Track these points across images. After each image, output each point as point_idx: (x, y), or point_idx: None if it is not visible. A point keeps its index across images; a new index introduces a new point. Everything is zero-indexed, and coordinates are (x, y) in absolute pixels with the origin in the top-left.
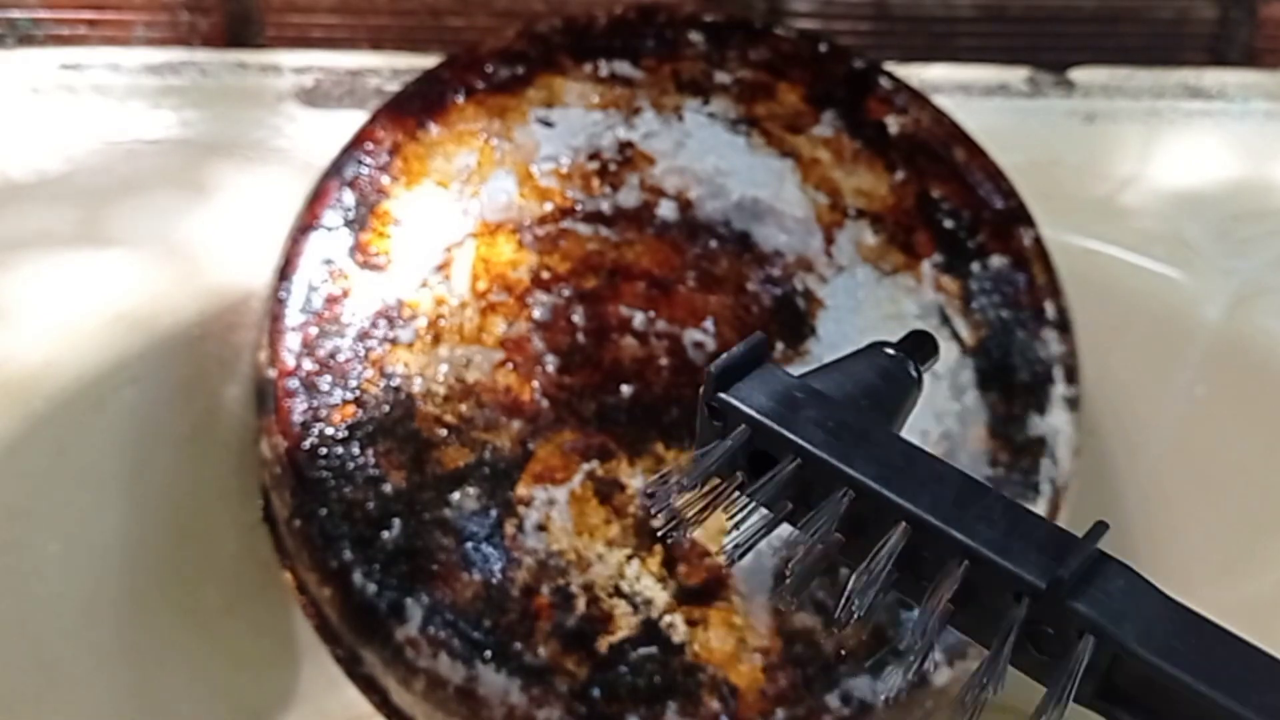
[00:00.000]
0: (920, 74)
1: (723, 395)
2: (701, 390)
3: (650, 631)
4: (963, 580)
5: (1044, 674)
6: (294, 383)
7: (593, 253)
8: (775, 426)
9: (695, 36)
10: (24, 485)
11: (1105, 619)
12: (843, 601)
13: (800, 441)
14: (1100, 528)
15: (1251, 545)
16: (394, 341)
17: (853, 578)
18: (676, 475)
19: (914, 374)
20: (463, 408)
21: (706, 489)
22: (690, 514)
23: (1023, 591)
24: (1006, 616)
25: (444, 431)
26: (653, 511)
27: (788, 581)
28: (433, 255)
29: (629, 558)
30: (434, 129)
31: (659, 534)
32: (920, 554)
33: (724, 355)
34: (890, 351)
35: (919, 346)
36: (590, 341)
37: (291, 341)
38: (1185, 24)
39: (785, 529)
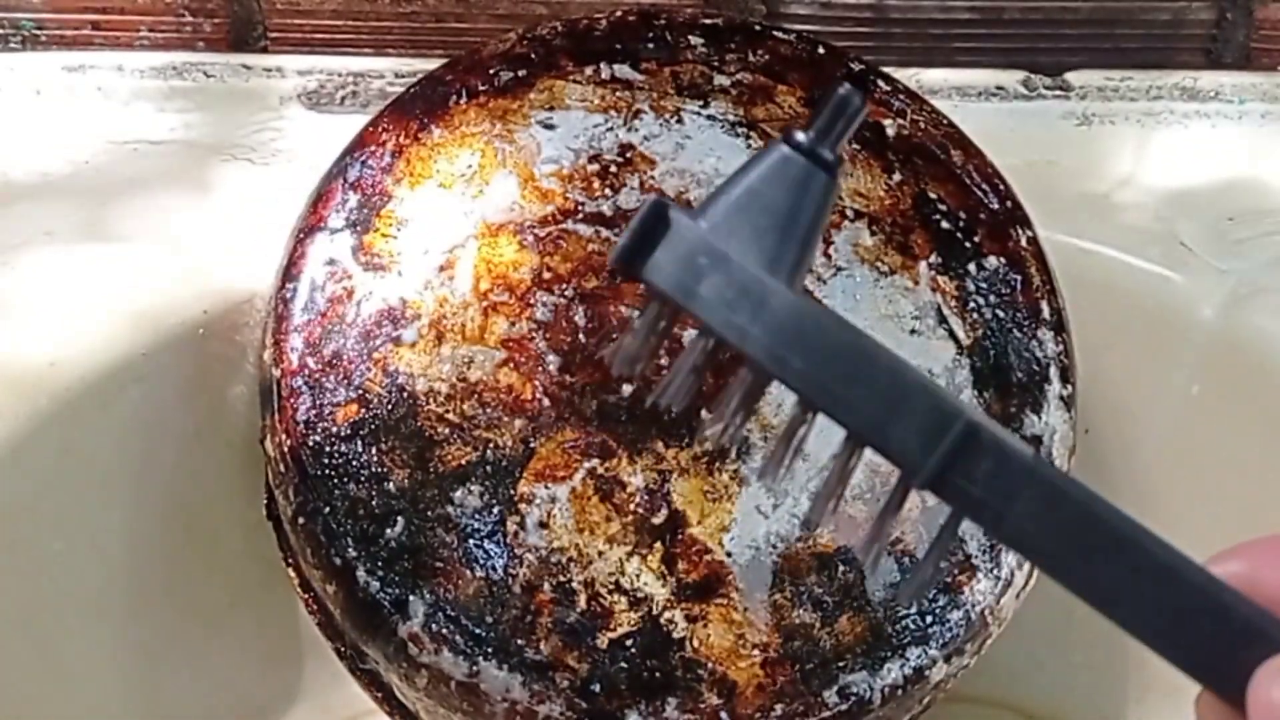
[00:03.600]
0: (918, 77)
1: (634, 271)
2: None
3: (650, 627)
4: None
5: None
6: (298, 382)
7: (594, 253)
8: (680, 302)
9: (695, 39)
10: (29, 483)
11: (970, 510)
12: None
13: (703, 317)
14: (972, 407)
15: None
16: (397, 341)
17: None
18: (625, 344)
19: (830, 159)
20: (465, 407)
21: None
22: (640, 356)
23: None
24: (895, 485)
25: (446, 430)
26: (611, 367)
27: (714, 425)
28: (435, 256)
29: (629, 554)
30: (436, 131)
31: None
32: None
33: (627, 228)
34: (789, 153)
35: (832, 121)
36: (591, 341)
37: (295, 341)
38: (1181, 26)
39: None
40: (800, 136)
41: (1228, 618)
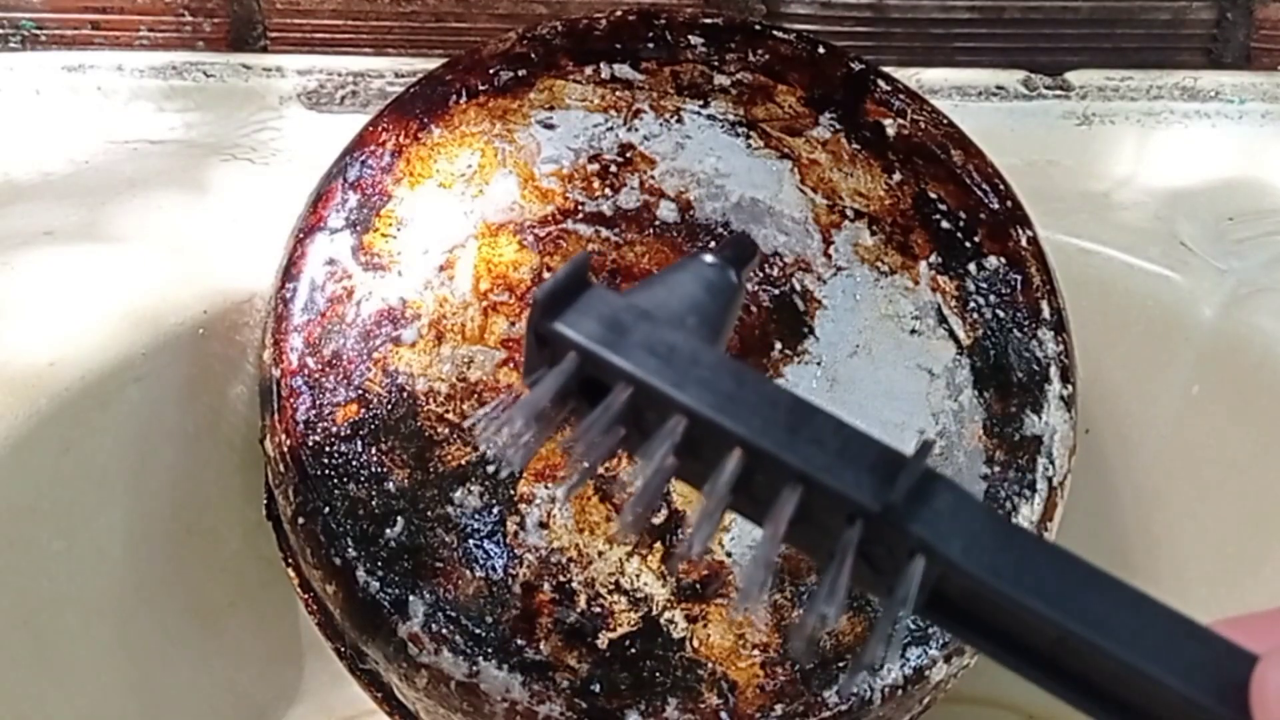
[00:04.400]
0: (918, 76)
1: (550, 323)
2: (527, 318)
3: (650, 627)
4: (799, 504)
5: (879, 590)
6: (298, 382)
7: (594, 253)
8: (604, 354)
9: (695, 39)
10: (29, 483)
11: (934, 538)
12: (688, 535)
13: (630, 369)
14: (926, 446)
15: (1247, 544)
16: (397, 341)
17: (694, 511)
18: (505, 407)
19: (735, 280)
20: (465, 407)
21: (538, 420)
22: (519, 447)
23: (855, 513)
24: (842, 538)
25: (446, 430)
26: (480, 444)
27: (626, 516)
28: (435, 256)
29: (629, 554)
30: (436, 131)
31: (491, 465)
32: (756, 479)
33: (548, 280)
34: (710, 260)
35: (739, 253)
36: None
37: (295, 341)
38: (1182, 26)
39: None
40: (710, 257)
41: (1209, 638)
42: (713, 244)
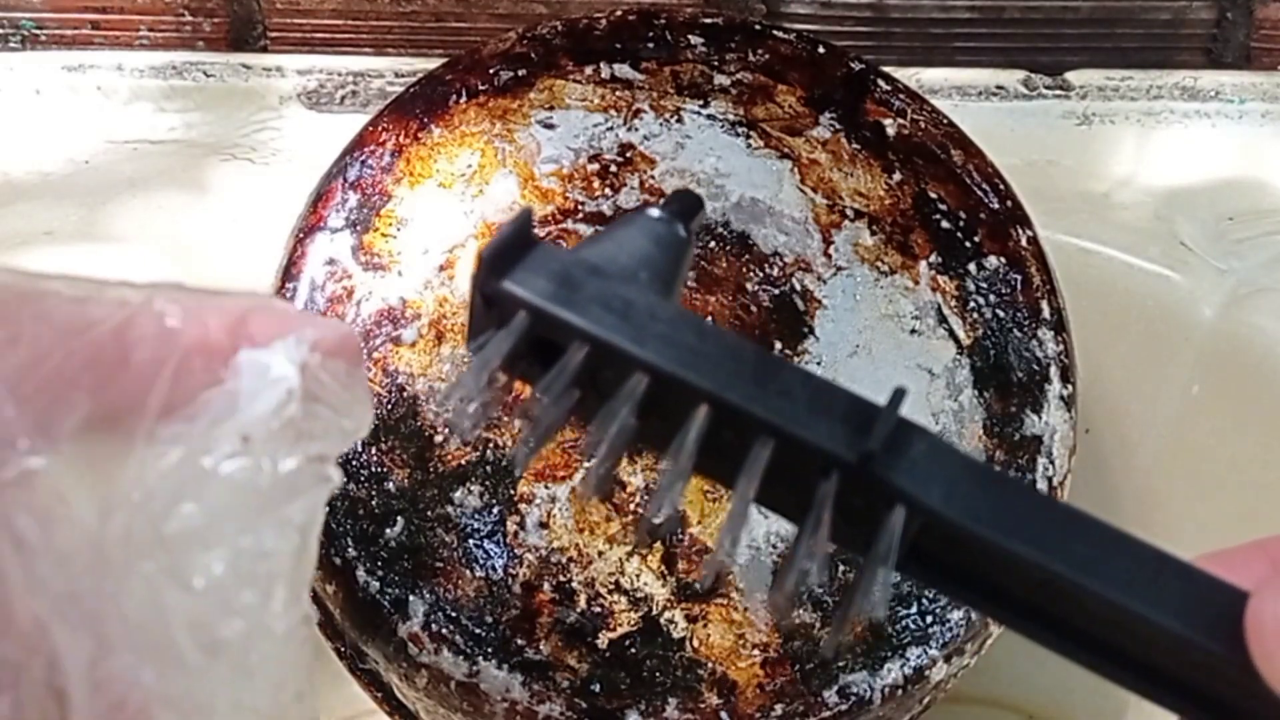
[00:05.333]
0: (918, 76)
1: (497, 282)
2: (471, 277)
3: (650, 627)
4: (770, 460)
5: (857, 545)
6: None
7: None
8: (557, 311)
9: (695, 39)
10: None
11: (913, 486)
12: (656, 498)
13: (586, 326)
14: (899, 394)
15: None
16: (397, 341)
17: (661, 473)
18: (457, 383)
19: (683, 234)
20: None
21: (489, 385)
22: (469, 415)
23: (831, 466)
24: (818, 492)
25: (446, 430)
26: (432, 414)
27: (588, 480)
28: (435, 256)
29: (629, 554)
30: (436, 131)
31: (448, 436)
32: (724, 436)
33: (493, 238)
34: (657, 214)
35: (685, 206)
36: None
37: None
38: (1182, 26)
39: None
40: (656, 210)
41: (1195, 575)
42: (712, 244)
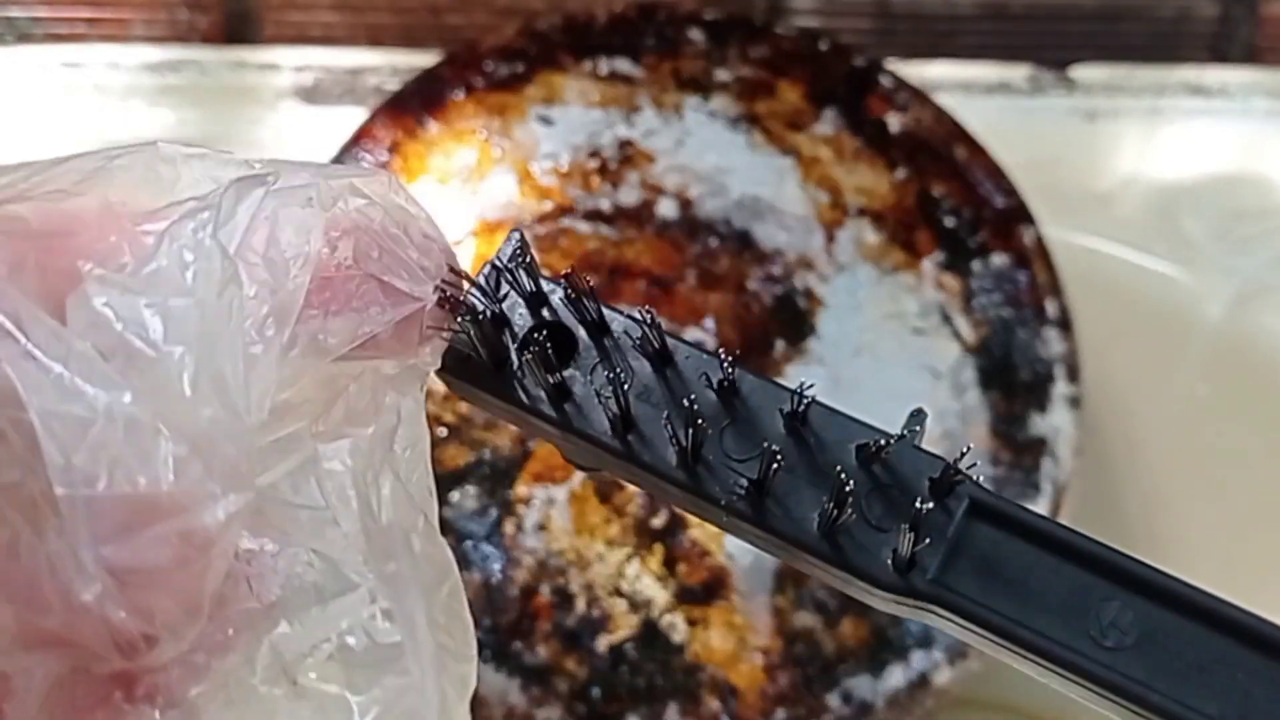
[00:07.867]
0: (921, 72)
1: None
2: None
3: (650, 631)
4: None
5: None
6: None
7: (593, 251)
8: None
9: (695, 34)
10: None
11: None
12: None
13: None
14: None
15: (1255, 543)
16: None
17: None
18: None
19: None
20: (462, 407)
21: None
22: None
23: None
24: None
25: (443, 431)
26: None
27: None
28: None
29: (629, 557)
30: (433, 127)
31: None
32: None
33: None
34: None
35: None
36: None
37: None
38: (1187, 22)
39: None
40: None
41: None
42: (713, 241)
